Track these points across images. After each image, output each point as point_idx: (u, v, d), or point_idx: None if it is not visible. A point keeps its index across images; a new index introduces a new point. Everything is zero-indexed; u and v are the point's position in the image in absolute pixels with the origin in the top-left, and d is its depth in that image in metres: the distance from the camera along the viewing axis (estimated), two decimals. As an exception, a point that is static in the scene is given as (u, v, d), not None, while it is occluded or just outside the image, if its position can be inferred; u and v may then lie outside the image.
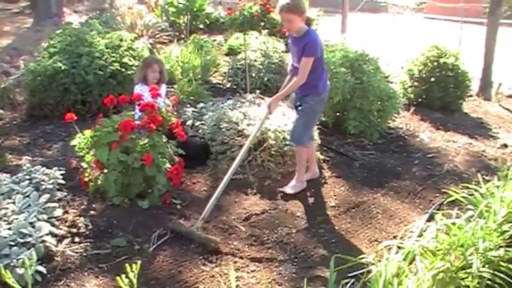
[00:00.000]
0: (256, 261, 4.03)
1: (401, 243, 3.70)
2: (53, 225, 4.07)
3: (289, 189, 5.23)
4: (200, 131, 6.16)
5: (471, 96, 9.28)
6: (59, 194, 4.57)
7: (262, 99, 6.66)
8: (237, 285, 3.73)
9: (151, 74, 5.94)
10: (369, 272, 3.54)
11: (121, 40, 7.77)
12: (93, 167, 4.76)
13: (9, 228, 3.78)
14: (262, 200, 5.04)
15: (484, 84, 9.67)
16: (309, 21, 4.94)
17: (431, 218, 4.60)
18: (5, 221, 3.95)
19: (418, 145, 6.76)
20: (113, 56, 7.29)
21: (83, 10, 15.79)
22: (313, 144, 5.64)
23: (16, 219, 3.92)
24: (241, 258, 4.06)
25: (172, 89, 7.99)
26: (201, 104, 7.06)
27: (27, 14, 17.13)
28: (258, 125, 5.11)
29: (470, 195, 4.31)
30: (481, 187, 4.35)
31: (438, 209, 4.81)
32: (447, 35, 12.74)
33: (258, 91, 7.23)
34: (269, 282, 3.81)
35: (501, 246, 3.54)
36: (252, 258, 4.06)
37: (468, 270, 3.34)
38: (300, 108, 5.16)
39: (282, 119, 5.90)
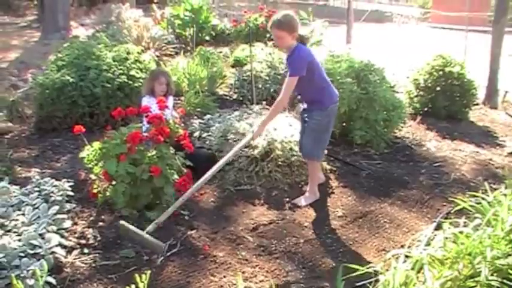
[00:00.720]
0: (265, 271, 4.04)
1: (409, 252, 3.70)
2: (62, 236, 4.09)
3: (302, 201, 5.24)
4: (207, 143, 6.19)
5: (477, 104, 9.27)
6: (68, 206, 4.60)
7: (269, 110, 6.67)
8: (246, 295, 3.75)
9: (159, 86, 5.98)
10: (376, 281, 3.55)
11: (128, 53, 7.83)
12: (102, 178, 4.80)
13: (19, 240, 3.82)
14: (270, 211, 5.06)
15: (490, 93, 9.65)
16: (302, 40, 4.92)
17: (438, 227, 4.59)
18: (15, 232, 3.98)
19: (424, 154, 6.76)
20: (120, 69, 7.35)
21: (89, 23, 15.86)
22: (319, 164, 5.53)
23: (26, 230, 3.95)
24: (250, 268, 4.07)
25: (179, 101, 8.04)
26: (208, 116, 7.10)
27: (34, 27, 17.26)
28: (236, 149, 5.07)
29: (478, 203, 4.30)
30: (488, 195, 4.34)
31: (445, 218, 4.81)
32: (452, 44, 12.75)
33: (264, 102, 7.26)
34: (277, 292, 3.82)
35: (509, 255, 3.53)
36: (260, 268, 4.07)
37: (476, 279, 3.34)
38: (306, 123, 5.13)
39: (288, 129, 5.92)
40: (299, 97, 5.29)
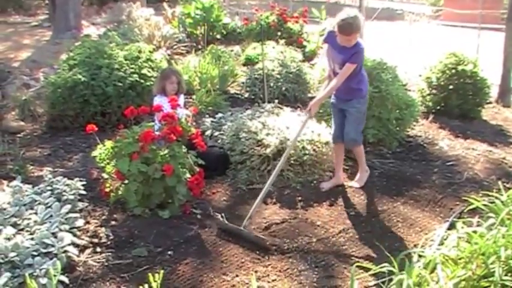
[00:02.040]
0: (277, 271, 4.03)
1: (422, 251, 3.68)
2: (74, 235, 4.11)
3: (356, 183, 5.60)
4: (219, 141, 6.20)
5: (490, 103, 9.21)
6: (80, 205, 4.62)
7: (281, 108, 6.67)
8: (258, 295, 3.75)
9: (170, 85, 5.98)
10: (390, 281, 3.53)
11: (139, 52, 7.84)
12: (114, 177, 4.81)
13: (32, 239, 3.84)
14: (282, 210, 5.05)
15: (503, 91, 9.58)
16: None
17: (452, 226, 4.56)
18: (27, 231, 4.01)
19: (437, 153, 6.72)
20: (132, 68, 7.36)
21: (100, 22, 15.89)
22: (341, 147, 5.68)
23: (38, 229, 3.98)
24: (262, 267, 4.07)
25: (190, 100, 8.04)
26: (220, 114, 7.10)
27: (45, 27, 17.30)
28: (298, 130, 5.24)
29: (491, 203, 4.27)
30: (502, 194, 4.31)
31: (459, 217, 4.77)
32: (465, 42, 12.67)
33: (276, 101, 7.25)
34: (290, 292, 3.82)
35: (524, 254, 3.51)
36: (272, 268, 4.07)
37: (490, 279, 3.31)
38: (344, 112, 5.44)
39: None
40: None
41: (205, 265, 4.05)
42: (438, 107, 8.51)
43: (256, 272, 3.99)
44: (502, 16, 17.26)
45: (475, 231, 3.71)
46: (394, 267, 3.64)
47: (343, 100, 5.42)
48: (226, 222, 4.60)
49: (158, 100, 5.78)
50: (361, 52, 5.14)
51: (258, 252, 4.28)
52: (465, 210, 4.87)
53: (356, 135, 5.47)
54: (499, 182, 4.96)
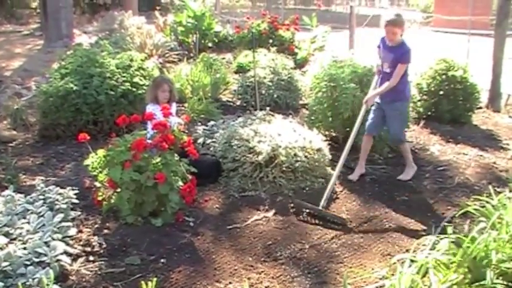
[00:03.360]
0: (270, 277, 4.04)
1: (414, 256, 3.70)
2: (67, 244, 4.10)
3: (405, 176, 6.06)
4: (211, 149, 6.21)
5: (480, 108, 9.27)
6: (73, 214, 4.61)
7: (272, 116, 6.69)
8: (251, 301, 3.75)
9: (162, 93, 6.00)
10: (382, 286, 3.55)
11: (131, 60, 7.85)
12: (107, 186, 4.81)
13: (25, 248, 3.83)
14: (275, 216, 5.06)
15: (493, 96, 9.64)
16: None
17: (443, 231, 4.59)
18: (20, 240, 4.00)
19: (428, 158, 6.77)
20: (124, 76, 7.37)
21: (92, 31, 15.88)
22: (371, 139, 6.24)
23: (31, 238, 3.97)
24: (255, 274, 4.08)
25: (182, 108, 8.05)
26: (212, 122, 7.12)
27: (37, 35, 17.29)
28: (360, 117, 5.80)
29: (482, 207, 4.31)
30: (492, 199, 4.35)
31: (450, 222, 4.81)
32: (455, 48, 12.75)
33: (268, 108, 7.27)
34: (283, 298, 3.82)
35: (514, 258, 3.54)
36: (265, 274, 4.08)
37: (482, 283, 3.34)
38: (388, 112, 5.93)
39: (293, 135, 5.93)
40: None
41: (198, 273, 4.06)
42: (429, 113, 8.56)
43: (249, 279, 4.00)
44: (491, 22, 17.39)
45: (466, 236, 3.74)
46: (386, 272, 3.66)
47: (387, 101, 5.88)
48: (306, 203, 5.13)
49: (151, 108, 5.79)
50: (409, 52, 5.68)
51: (251, 258, 4.29)
52: (456, 215, 4.90)
53: (400, 135, 6.03)
54: (490, 187, 4.99)
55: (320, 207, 5.10)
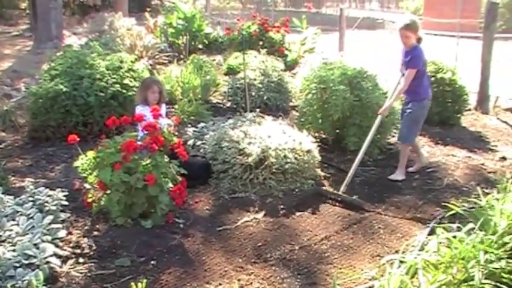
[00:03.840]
0: (260, 279, 4.05)
1: (404, 257, 3.73)
2: (57, 246, 4.10)
3: (395, 176, 6.18)
4: (201, 151, 6.22)
5: (469, 110, 9.32)
6: (63, 215, 4.60)
7: (262, 117, 6.71)
8: (241, 303, 3.76)
9: (151, 95, 6.00)
10: (371, 286, 3.57)
11: (121, 61, 7.84)
12: (96, 187, 4.80)
13: (14, 250, 3.82)
14: (265, 218, 5.07)
15: (482, 98, 9.71)
16: (419, 40, 5.98)
17: (432, 232, 4.61)
18: (9, 242, 3.98)
19: (417, 160, 6.79)
20: (114, 78, 7.36)
21: (82, 32, 15.85)
22: (418, 140, 6.59)
23: (20, 240, 3.95)
24: (245, 275, 4.09)
25: (173, 109, 8.05)
26: (202, 124, 7.12)
27: (27, 36, 17.20)
28: (375, 126, 6.04)
29: (471, 208, 4.34)
30: (481, 200, 4.38)
31: (439, 223, 4.83)
32: (444, 50, 12.82)
33: (258, 110, 7.28)
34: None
35: (502, 258, 3.58)
36: (255, 276, 4.09)
37: (470, 283, 3.37)
38: (405, 113, 6.19)
39: (282, 137, 5.94)
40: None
41: (188, 274, 4.06)
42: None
43: (239, 280, 4.01)
44: (480, 25, 17.48)
45: (454, 237, 3.78)
46: (375, 273, 3.68)
47: (406, 101, 6.22)
48: (327, 190, 5.65)
49: (140, 110, 5.79)
50: (416, 58, 5.85)
51: (241, 260, 4.30)
52: (445, 216, 4.91)
53: (407, 135, 6.18)
54: (478, 188, 5.03)
55: (340, 193, 5.52)
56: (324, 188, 5.80)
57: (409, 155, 6.37)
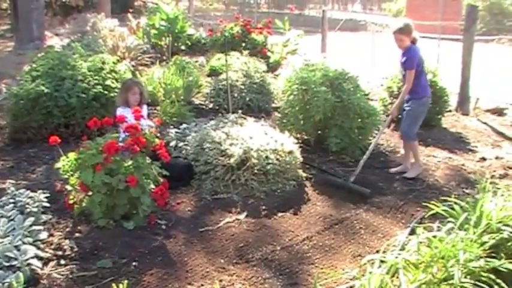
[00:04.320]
0: (242, 279, 4.06)
1: (384, 257, 3.76)
2: (38, 248, 4.08)
3: (409, 173, 6.32)
4: (183, 152, 6.21)
5: (450, 111, 9.40)
6: (44, 217, 4.58)
7: (244, 119, 6.72)
8: (223, 303, 3.77)
9: (132, 96, 5.99)
10: (352, 286, 3.59)
11: (103, 63, 7.81)
12: (78, 189, 4.78)
13: (-5, 252, 3.80)
14: (246, 219, 5.08)
15: (462, 99, 9.81)
16: (414, 41, 6.19)
17: (413, 232, 4.66)
18: (-10, 244, 3.96)
19: (399, 161, 6.84)
20: (96, 79, 7.33)
21: (64, 33, 15.75)
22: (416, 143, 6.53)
23: (1, 242, 3.93)
24: (227, 276, 4.10)
25: (155, 111, 8.04)
26: (184, 125, 7.11)
27: (8, 37, 17.09)
28: (383, 128, 6.55)
29: (451, 208, 4.38)
30: (461, 200, 4.42)
31: (419, 223, 4.88)
32: (425, 52, 12.93)
33: (240, 111, 7.30)
34: (255, 299, 3.85)
35: (481, 257, 3.61)
36: (237, 276, 4.10)
37: (450, 282, 3.40)
38: (405, 110, 6.33)
39: (264, 138, 5.96)
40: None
41: (170, 275, 4.06)
42: (399, 116, 8.64)
43: (221, 281, 4.02)
44: (461, 27, 17.66)
45: (435, 236, 3.81)
46: (356, 272, 3.71)
47: (406, 99, 6.29)
48: (333, 177, 6.06)
49: (121, 111, 5.78)
50: (410, 59, 6.05)
51: (222, 260, 4.31)
52: (426, 216, 4.96)
53: (408, 130, 6.33)
54: (458, 188, 5.08)
55: (348, 182, 5.87)
56: (330, 176, 6.16)
57: (401, 155, 6.72)
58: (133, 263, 4.18)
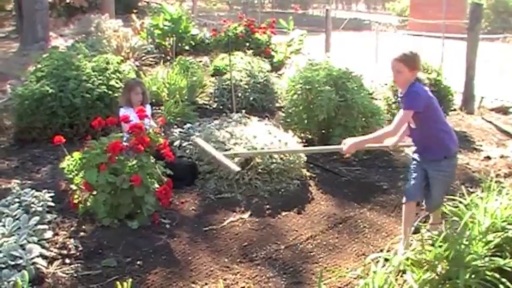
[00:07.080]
0: (246, 278, 4.07)
1: (388, 256, 3.76)
2: (43, 247, 4.09)
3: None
4: (187, 152, 6.22)
5: (454, 110, 9.39)
6: (49, 216, 4.59)
7: (248, 118, 6.73)
8: (227, 302, 3.78)
9: (135, 96, 6.01)
10: (357, 285, 3.59)
11: (107, 63, 7.82)
12: (82, 188, 4.79)
13: (0, 251, 3.81)
14: (250, 218, 5.09)
15: (467, 98, 9.79)
16: (418, 80, 4.37)
17: (417, 231, 4.65)
18: (-5, 244, 3.97)
19: (403, 160, 6.83)
20: (100, 79, 7.34)
21: (68, 34, 15.76)
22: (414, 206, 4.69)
23: (6, 241, 3.94)
24: (231, 275, 4.10)
25: (159, 111, 8.05)
26: (188, 125, 7.12)
27: (13, 38, 17.12)
28: (307, 149, 6.29)
29: (455, 207, 4.38)
30: (465, 199, 4.41)
31: (423, 222, 4.87)
32: (429, 51, 12.91)
33: (244, 111, 7.30)
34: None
35: (486, 256, 3.61)
36: (241, 275, 4.10)
37: (455, 281, 3.40)
38: (432, 174, 4.42)
39: (268, 137, 5.97)
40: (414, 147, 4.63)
41: (174, 274, 4.07)
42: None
43: (225, 279, 4.02)
44: (465, 26, 17.63)
45: (439, 235, 3.80)
46: (361, 271, 3.71)
47: (427, 160, 4.43)
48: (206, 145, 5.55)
49: (124, 111, 5.80)
50: (411, 94, 4.24)
51: (227, 259, 4.32)
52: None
53: (441, 202, 4.50)
54: (463, 187, 5.06)
55: (220, 154, 5.26)
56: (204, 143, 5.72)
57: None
58: (138, 262, 4.19)
